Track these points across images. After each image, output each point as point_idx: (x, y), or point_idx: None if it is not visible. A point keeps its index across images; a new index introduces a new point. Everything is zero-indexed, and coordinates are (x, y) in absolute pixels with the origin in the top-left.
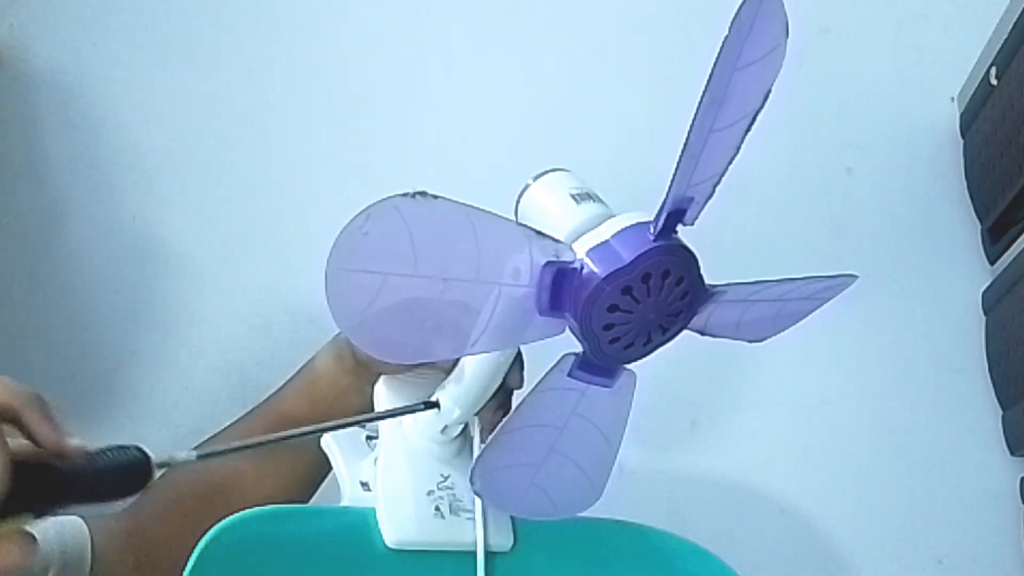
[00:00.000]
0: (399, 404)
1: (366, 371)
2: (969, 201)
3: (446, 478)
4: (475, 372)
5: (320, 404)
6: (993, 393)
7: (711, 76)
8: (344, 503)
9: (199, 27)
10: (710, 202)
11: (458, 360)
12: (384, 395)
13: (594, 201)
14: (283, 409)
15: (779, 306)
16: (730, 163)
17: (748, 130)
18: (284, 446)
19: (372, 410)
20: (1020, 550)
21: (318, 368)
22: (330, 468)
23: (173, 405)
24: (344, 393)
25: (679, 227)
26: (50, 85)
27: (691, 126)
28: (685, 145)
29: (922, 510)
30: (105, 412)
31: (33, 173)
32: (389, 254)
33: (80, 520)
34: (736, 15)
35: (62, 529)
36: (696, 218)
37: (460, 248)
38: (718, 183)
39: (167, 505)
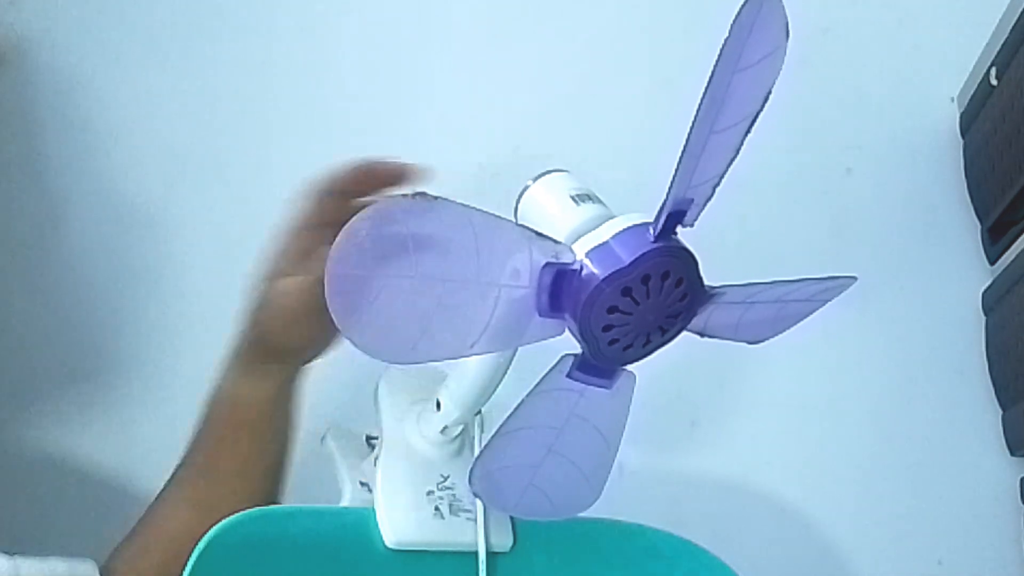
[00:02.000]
0: (399, 403)
1: (278, 365)
2: (969, 201)
3: (446, 478)
4: (475, 373)
5: (244, 427)
6: (993, 393)
7: (711, 78)
8: (344, 503)
9: (200, 26)
10: (710, 203)
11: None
12: (384, 395)
13: (594, 202)
14: (211, 461)
15: (778, 307)
16: (730, 164)
17: (748, 132)
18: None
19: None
20: (1020, 550)
21: (230, 395)
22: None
23: (173, 406)
24: (271, 402)
25: (679, 228)
26: (50, 85)
27: (691, 128)
28: (685, 146)
29: (922, 510)
30: (105, 412)
31: (33, 173)
32: (388, 255)
33: (91, 561)
34: (736, 16)
35: (73, 570)
36: (696, 219)
37: (459, 249)
38: (718, 184)
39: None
